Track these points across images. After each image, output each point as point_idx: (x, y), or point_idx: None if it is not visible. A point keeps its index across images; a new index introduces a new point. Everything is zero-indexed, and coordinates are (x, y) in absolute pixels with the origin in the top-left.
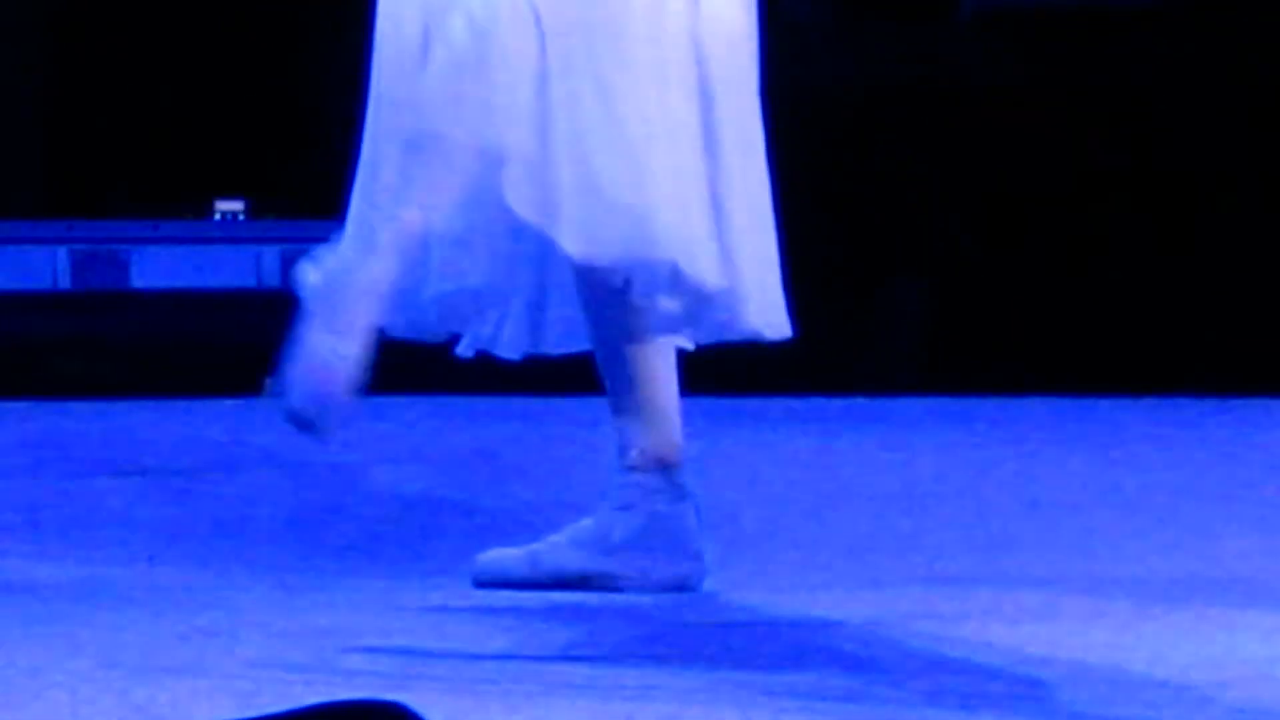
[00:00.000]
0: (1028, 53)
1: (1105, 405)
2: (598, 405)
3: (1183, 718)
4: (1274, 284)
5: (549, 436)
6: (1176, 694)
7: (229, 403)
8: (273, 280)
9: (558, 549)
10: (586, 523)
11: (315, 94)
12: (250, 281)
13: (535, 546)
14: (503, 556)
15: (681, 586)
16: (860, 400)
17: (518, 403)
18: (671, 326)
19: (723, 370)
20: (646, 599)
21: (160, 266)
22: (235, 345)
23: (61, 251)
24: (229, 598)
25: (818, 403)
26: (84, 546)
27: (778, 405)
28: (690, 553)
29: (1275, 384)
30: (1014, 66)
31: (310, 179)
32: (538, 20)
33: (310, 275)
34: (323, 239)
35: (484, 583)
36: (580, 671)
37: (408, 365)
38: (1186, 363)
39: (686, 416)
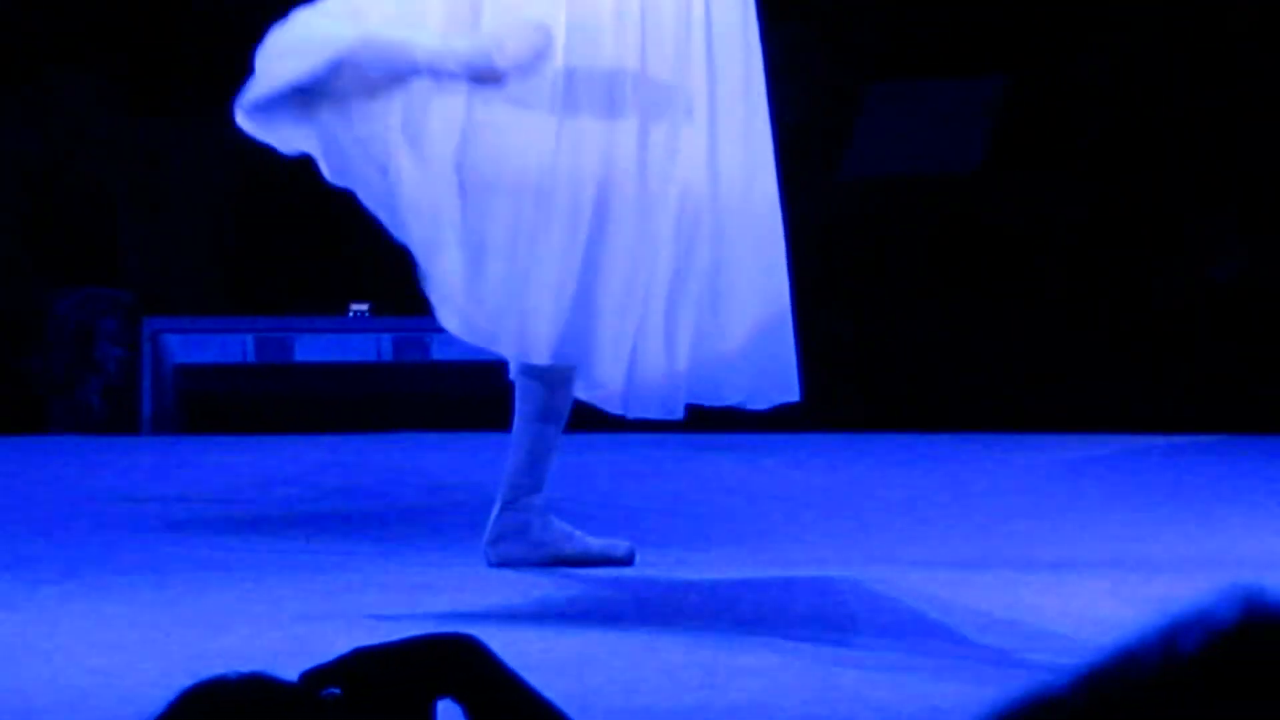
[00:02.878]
0: (892, 207)
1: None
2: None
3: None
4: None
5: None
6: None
7: (360, 438)
8: (387, 357)
9: (555, 536)
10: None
11: None
12: (372, 358)
13: (539, 536)
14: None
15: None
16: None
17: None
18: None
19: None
20: (628, 571)
21: (315, 347)
22: (364, 399)
23: (250, 337)
24: (358, 566)
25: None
26: (264, 533)
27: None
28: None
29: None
30: (881, 216)
31: (410, 290)
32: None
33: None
34: (421, 331)
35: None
36: (593, 631)
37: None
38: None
39: (677, 447)
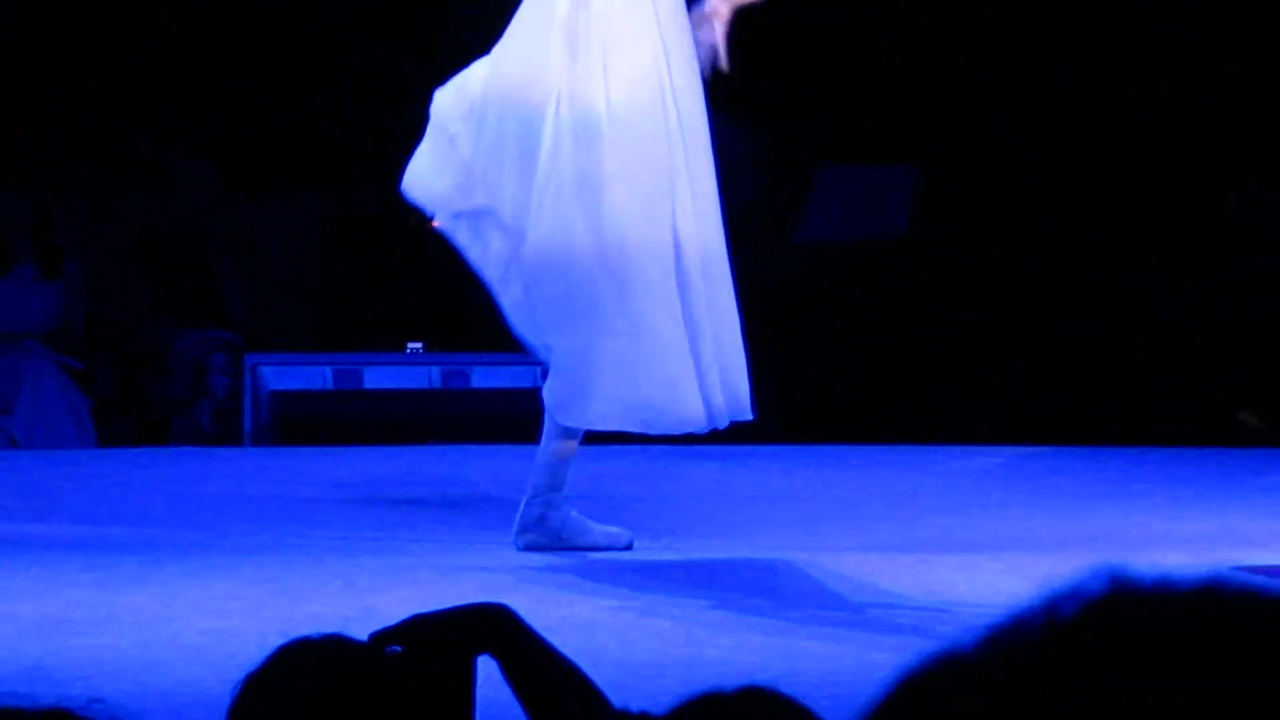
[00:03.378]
0: (835, 267)
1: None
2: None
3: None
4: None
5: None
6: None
7: (415, 450)
8: (436, 384)
9: (570, 527)
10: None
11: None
12: (425, 385)
13: (557, 527)
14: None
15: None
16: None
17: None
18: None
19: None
20: (628, 555)
21: (379, 376)
22: (418, 418)
23: (329, 369)
24: (414, 550)
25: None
26: (340, 524)
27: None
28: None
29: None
30: (827, 273)
31: (454, 330)
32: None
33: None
34: (463, 364)
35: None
36: (605, 603)
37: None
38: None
39: (667, 456)
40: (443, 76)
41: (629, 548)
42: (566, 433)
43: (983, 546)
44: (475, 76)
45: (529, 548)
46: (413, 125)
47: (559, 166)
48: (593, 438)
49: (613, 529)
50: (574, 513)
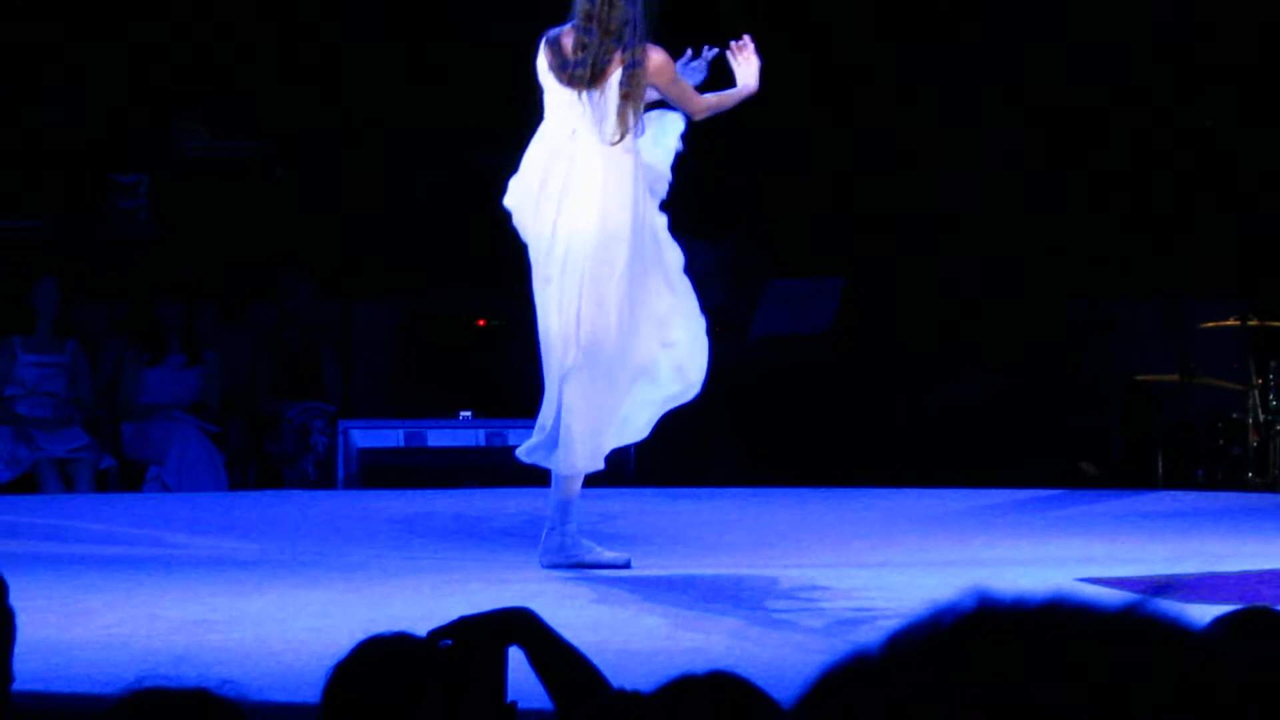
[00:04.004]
0: (779, 353)
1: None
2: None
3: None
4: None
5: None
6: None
7: (466, 492)
8: (482, 443)
9: (580, 549)
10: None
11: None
12: (473, 444)
13: (571, 550)
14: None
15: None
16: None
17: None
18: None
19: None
20: (626, 572)
21: (439, 436)
22: (468, 468)
23: (401, 431)
24: (464, 568)
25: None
26: (409, 547)
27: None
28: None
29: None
30: (773, 358)
31: (497, 403)
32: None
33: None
34: (502, 428)
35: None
36: (617, 612)
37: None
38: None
39: (657, 496)
40: (482, 200)
41: (627, 566)
42: (572, 477)
43: (890, 565)
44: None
45: (550, 567)
46: (462, 244)
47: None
48: (596, 481)
49: (613, 552)
50: (583, 539)
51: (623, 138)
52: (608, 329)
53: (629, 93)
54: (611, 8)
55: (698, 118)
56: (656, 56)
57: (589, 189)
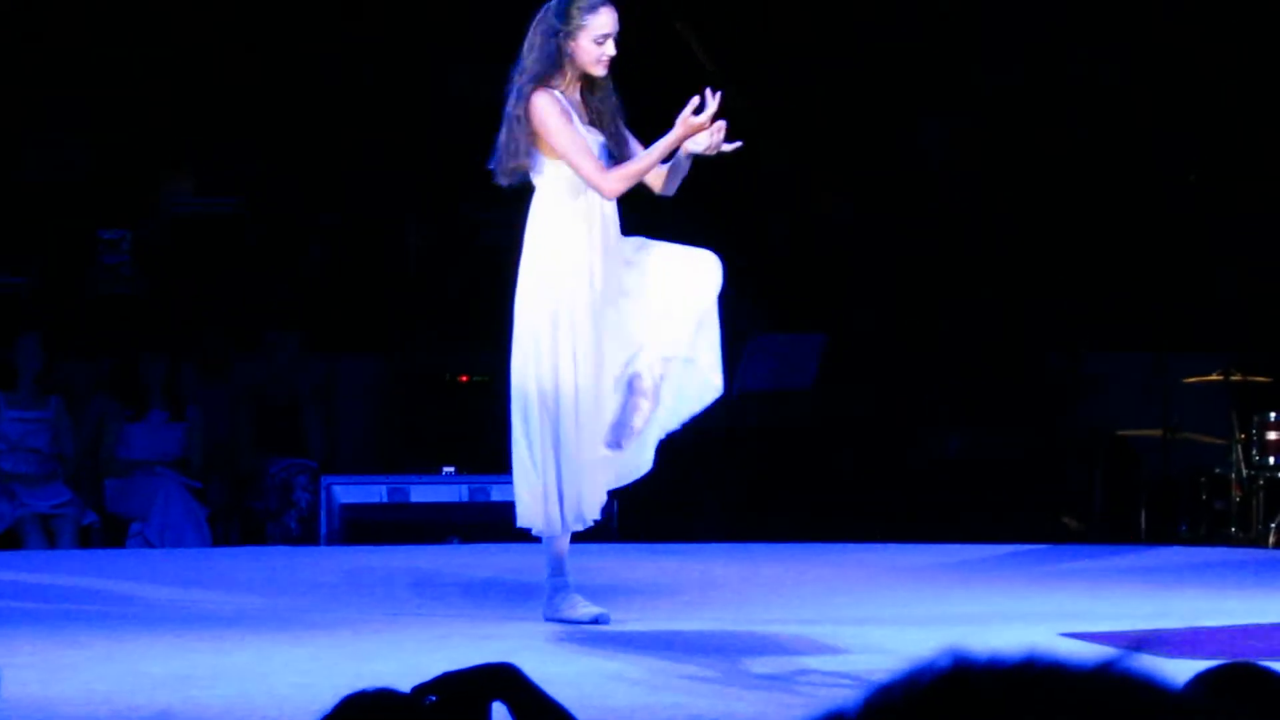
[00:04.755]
0: (763, 408)
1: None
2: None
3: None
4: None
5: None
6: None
7: (448, 547)
8: (465, 499)
9: (569, 605)
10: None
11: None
12: (456, 500)
13: (561, 606)
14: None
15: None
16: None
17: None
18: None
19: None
20: (606, 627)
21: (421, 493)
22: (450, 524)
23: (384, 486)
24: (448, 622)
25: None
26: (393, 601)
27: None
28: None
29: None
30: (757, 412)
31: (479, 459)
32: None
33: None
34: (484, 483)
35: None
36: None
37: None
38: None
39: (640, 552)
40: (466, 256)
41: (600, 622)
42: (563, 541)
43: (873, 620)
44: None
45: (547, 619)
46: (445, 300)
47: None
48: (583, 538)
49: (592, 609)
50: (572, 595)
51: (511, 176)
52: (521, 377)
53: (508, 128)
54: (529, 46)
55: (602, 192)
56: (534, 103)
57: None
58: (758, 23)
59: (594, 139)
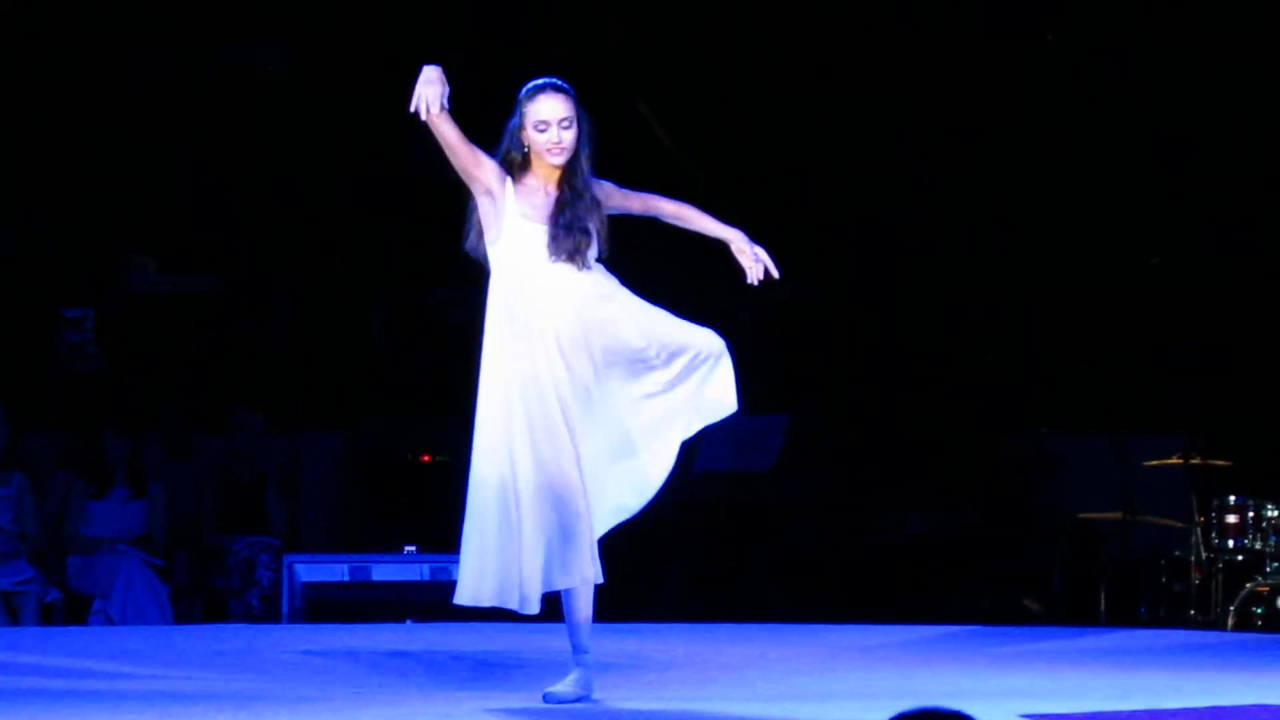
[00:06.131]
0: (722, 487)
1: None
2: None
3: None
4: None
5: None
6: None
7: (410, 625)
8: (426, 578)
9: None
10: (576, 672)
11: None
12: (417, 579)
13: (564, 689)
14: (558, 691)
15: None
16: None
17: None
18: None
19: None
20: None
21: (384, 571)
22: (412, 604)
23: (346, 565)
24: (406, 701)
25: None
26: (353, 680)
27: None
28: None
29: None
30: (717, 492)
31: (441, 538)
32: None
33: None
34: (445, 562)
35: (551, 701)
36: None
37: None
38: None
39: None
40: (430, 335)
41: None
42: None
43: (833, 698)
44: None
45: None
46: (406, 381)
47: None
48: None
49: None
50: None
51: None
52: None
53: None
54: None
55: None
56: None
57: None
58: (717, 103)
59: (532, 228)
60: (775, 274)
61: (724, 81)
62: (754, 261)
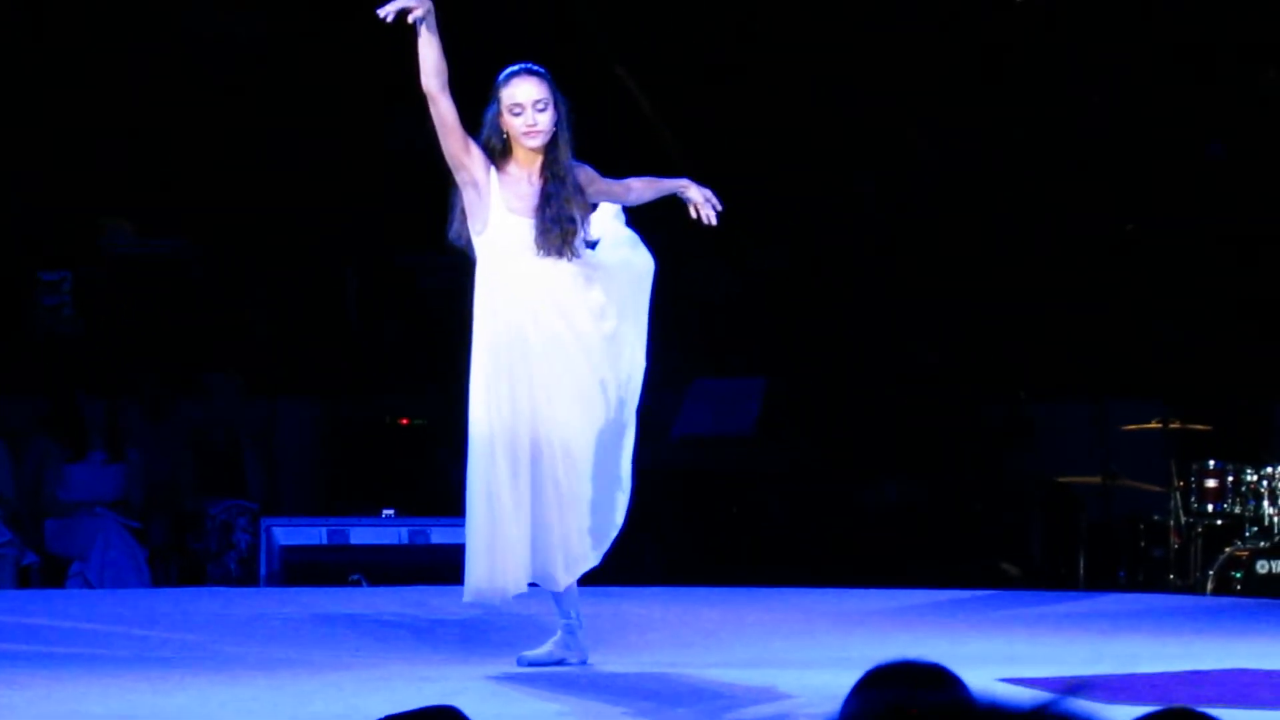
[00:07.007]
0: (701, 453)
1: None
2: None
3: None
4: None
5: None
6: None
7: (388, 589)
8: (404, 541)
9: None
10: (558, 635)
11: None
12: (395, 542)
13: (539, 652)
14: (532, 654)
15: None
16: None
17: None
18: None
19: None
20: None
21: (362, 534)
22: (390, 567)
23: (324, 529)
24: (386, 665)
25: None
26: (331, 643)
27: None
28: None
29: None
30: (696, 458)
31: (419, 501)
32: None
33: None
34: (424, 525)
35: (524, 664)
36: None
37: None
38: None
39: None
40: (406, 300)
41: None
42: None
43: (812, 664)
44: None
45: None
46: (385, 343)
47: None
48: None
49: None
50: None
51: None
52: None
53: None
54: None
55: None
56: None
57: None
58: (697, 68)
59: (518, 221)
60: (719, 207)
61: (702, 51)
62: (703, 202)
